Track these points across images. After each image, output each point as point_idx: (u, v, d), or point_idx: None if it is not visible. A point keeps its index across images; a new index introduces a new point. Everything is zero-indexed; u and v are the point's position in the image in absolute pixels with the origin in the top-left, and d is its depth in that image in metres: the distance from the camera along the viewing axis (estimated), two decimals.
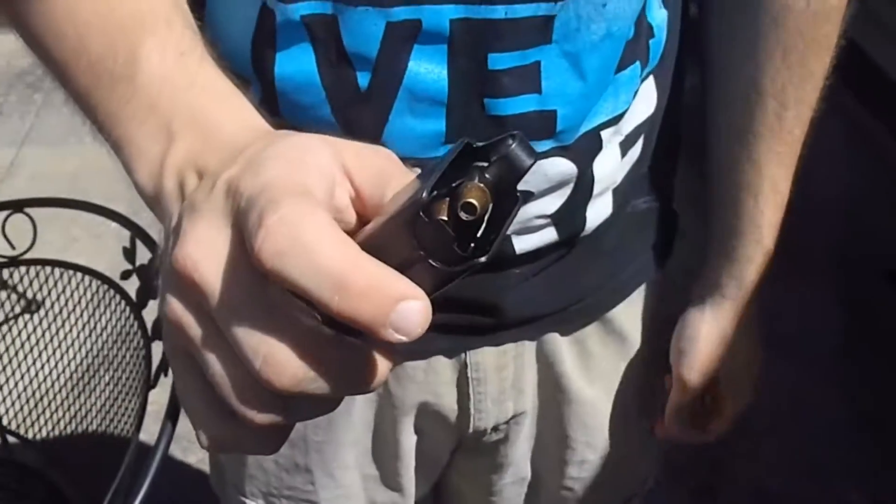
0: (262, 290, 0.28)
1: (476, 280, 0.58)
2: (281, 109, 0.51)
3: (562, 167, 0.54)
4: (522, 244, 0.58)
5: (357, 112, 0.50)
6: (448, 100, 0.49)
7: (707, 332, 0.66)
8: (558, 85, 0.50)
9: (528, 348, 0.67)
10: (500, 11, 0.47)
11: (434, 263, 0.27)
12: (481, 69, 0.49)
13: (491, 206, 0.28)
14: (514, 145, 0.28)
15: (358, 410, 0.68)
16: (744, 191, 0.62)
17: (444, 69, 0.48)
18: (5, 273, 1.01)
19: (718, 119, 0.63)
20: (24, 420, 1.23)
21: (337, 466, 0.70)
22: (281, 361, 0.28)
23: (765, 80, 0.58)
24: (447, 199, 0.27)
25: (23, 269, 1.00)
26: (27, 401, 1.23)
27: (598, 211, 0.59)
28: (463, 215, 0.27)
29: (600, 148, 0.56)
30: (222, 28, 0.50)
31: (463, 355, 0.65)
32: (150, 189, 0.37)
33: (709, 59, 0.62)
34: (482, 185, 0.27)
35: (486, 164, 0.28)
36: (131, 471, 0.76)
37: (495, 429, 0.69)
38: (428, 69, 0.48)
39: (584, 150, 0.54)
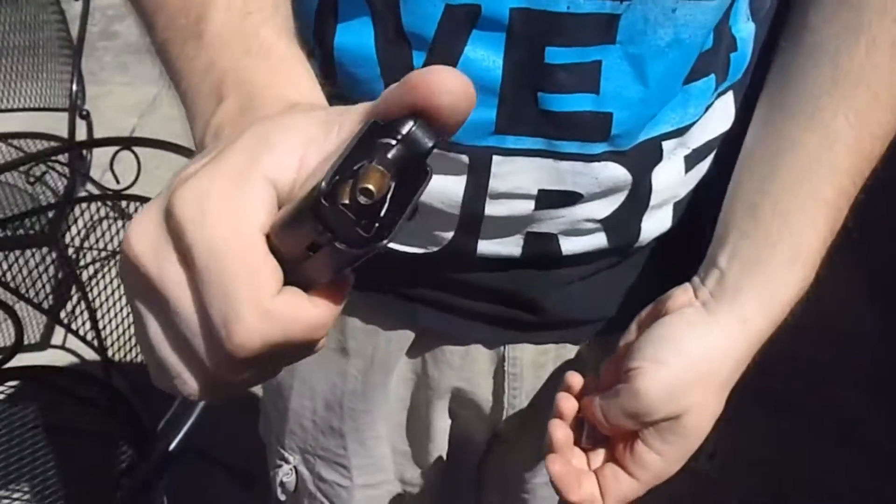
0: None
1: (520, 275, 0.58)
2: (339, 80, 0.51)
3: (615, 173, 0.52)
4: (570, 245, 0.56)
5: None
6: (501, 89, 0.49)
7: (696, 346, 0.51)
8: (618, 87, 0.49)
9: (570, 351, 0.65)
10: (562, 4, 0.46)
11: (340, 246, 0.28)
12: (537, 62, 0.47)
13: (392, 186, 0.28)
14: (413, 127, 0.28)
15: (394, 387, 0.69)
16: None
17: (500, 58, 0.48)
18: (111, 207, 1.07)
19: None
20: (122, 346, 1.31)
21: (370, 436, 0.72)
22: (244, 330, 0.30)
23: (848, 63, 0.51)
24: (350, 181, 0.28)
25: (124, 202, 1.05)
26: (123, 332, 1.31)
27: (656, 223, 0.57)
28: (361, 199, 0.27)
29: (660, 158, 0.53)
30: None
31: (502, 348, 0.64)
32: (198, 143, 0.38)
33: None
34: (382, 167, 0.28)
35: (392, 143, 0.29)
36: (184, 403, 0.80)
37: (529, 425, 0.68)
38: (483, 56, 0.48)
39: (642, 159, 0.52)
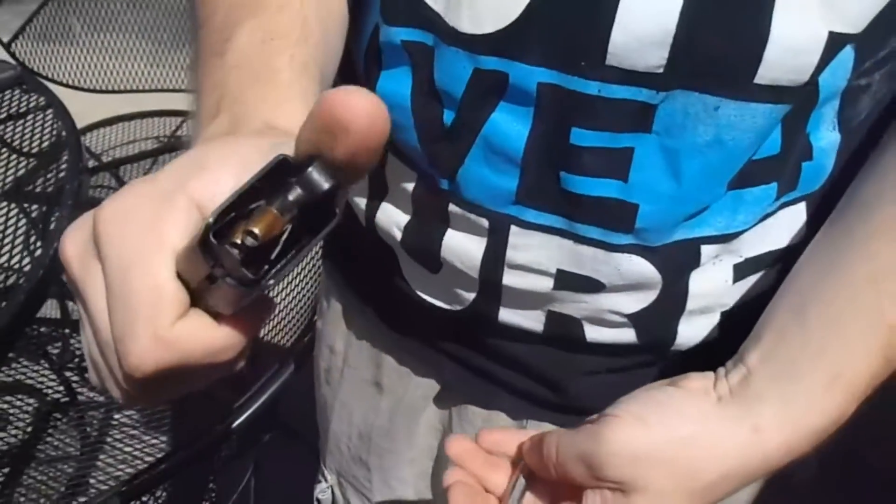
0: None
1: (543, 351, 0.55)
2: None
3: (639, 268, 0.48)
4: (594, 334, 0.53)
5: (439, 147, 0.49)
6: (522, 161, 0.46)
7: (687, 428, 0.42)
8: (648, 179, 0.45)
9: None
10: (592, 87, 0.43)
11: (229, 282, 0.28)
12: (562, 140, 0.45)
13: (288, 229, 0.28)
14: (310, 169, 0.28)
15: (423, 434, 0.68)
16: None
17: (526, 131, 0.46)
18: None
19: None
20: None
21: (393, 477, 0.71)
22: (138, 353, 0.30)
23: None
24: (241, 221, 0.27)
25: None
26: None
27: (696, 329, 0.52)
28: (248, 241, 0.27)
29: (698, 262, 0.49)
30: (351, 34, 0.51)
31: (525, 422, 0.61)
32: None
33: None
34: (276, 210, 0.27)
35: (292, 183, 0.28)
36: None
37: None
38: (509, 126, 0.46)
39: (674, 260, 0.48)
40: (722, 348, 0.54)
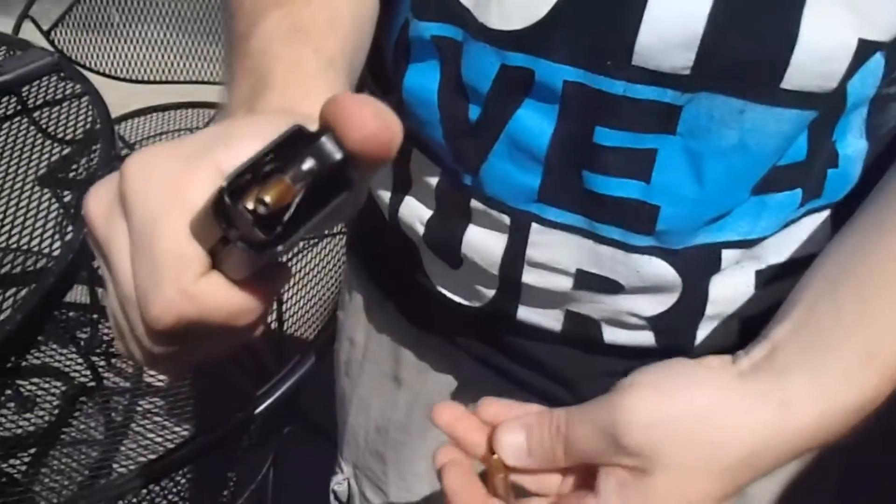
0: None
1: (561, 351, 0.56)
2: (407, 118, 0.52)
3: (659, 270, 0.48)
4: (611, 335, 0.53)
5: (463, 143, 0.49)
6: (545, 159, 0.47)
7: (707, 399, 0.40)
8: (671, 181, 0.45)
9: None
10: (618, 87, 0.43)
11: (240, 245, 0.28)
12: (586, 139, 0.45)
13: (299, 197, 0.28)
14: (323, 139, 0.28)
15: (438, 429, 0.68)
16: None
17: (550, 128, 0.46)
18: None
19: None
20: None
21: (408, 471, 0.71)
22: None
23: None
24: (255, 187, 0.28)
25: None
26: None
27: (715, 335, 0.52)
28: (260, 208, 0.27)
29: (718, 267, 0.48)
30: (381, 27, 0.52)
31: None
32: None
33: None
34: (288, 178, 0.28)
35: (305, 152, 0.28)
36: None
37: None
38: (533, 123, 0.46)
39: (695, 264, 0.48)
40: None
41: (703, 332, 0.52)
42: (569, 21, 0.42)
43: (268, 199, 0.27)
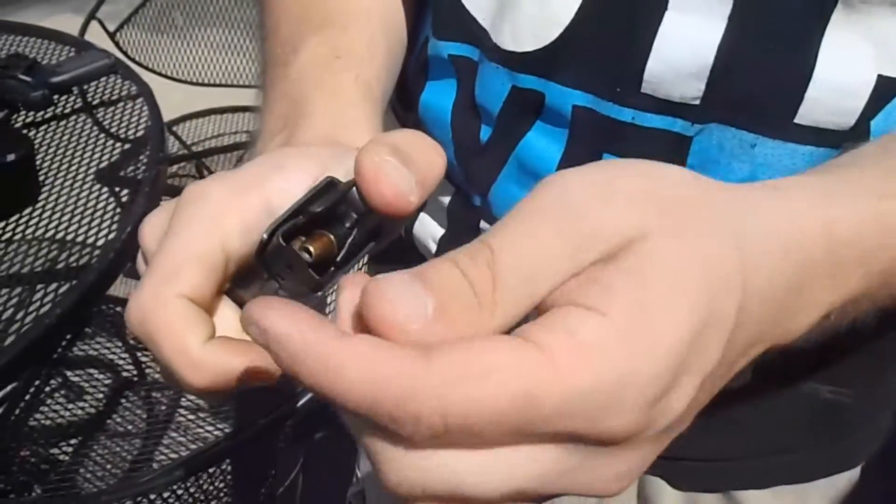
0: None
1: None
2: None
3: None
4: None
5: (474, 163, 0.49)
6: None
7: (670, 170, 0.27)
8: None
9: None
10: (626, 114, 0.42)
11: (282, 293, 0.30)
12: None
13: (345, 251, 0.29)
14: (353, 190, 0.29)
15: None
16: None
17: (559, 153, 0.45)
18: None
19: None
20: None
21: None
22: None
23: None
24: (298, 238, 0.29)
25: None
26: None
27: None
28: (304, 255, 0.28)
29: None
30: (413, 47, 0.52)
31: None
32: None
33: None
34: (331, 235, 0.29)
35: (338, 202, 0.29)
36: None
37: None
38: (542, 146, 0.46)
39: None
40: (749, 394, 0.52)
41: None
42: (579, 45, 0.42)
43: (312, 249, 0.28)
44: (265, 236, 0.28)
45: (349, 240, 0.29)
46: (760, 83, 0.39)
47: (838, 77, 0.39)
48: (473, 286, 0.23)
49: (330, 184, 0.29)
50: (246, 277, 0.31)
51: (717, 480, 0.58)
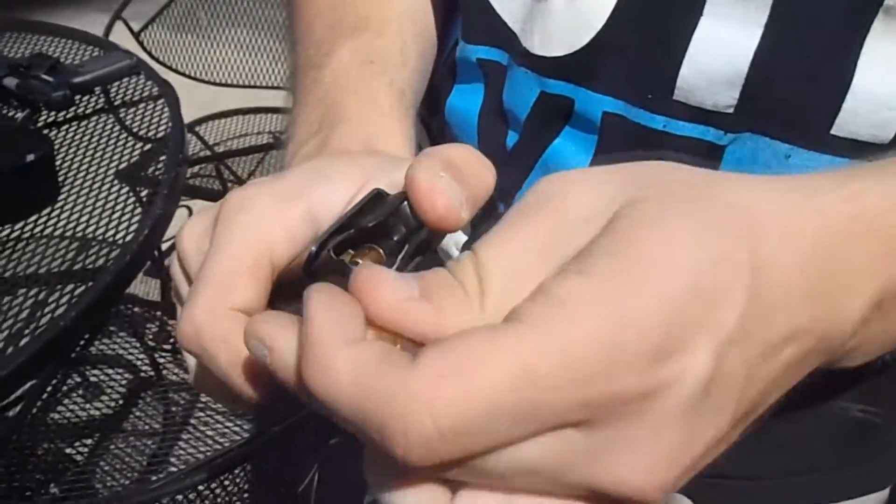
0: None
1: None
2: (447, 141, 0.51)
3: None
4: None
5: (499, 170, 0.48)
6: None
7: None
8: None
9: None
10: (658, 122, 0.41)
11: None
12: None
13: (396, 266, 0.28)
14: (403, 204, 0.28)
15: None
16: None
17: (587, 160, 0.44)
18: None
19: None
20: None
21: None
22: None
23: None
24: (346, 251, 0.28)
25: None
26: None
27: None
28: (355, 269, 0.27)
29: None
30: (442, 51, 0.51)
31: None
32: (286, 166, 0.41)
33: None
34: (378, 247, 0.28)
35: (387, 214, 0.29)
36: None
37: None
38: (570, 153, 0.44)
39: None
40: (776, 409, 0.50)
41: None
42: (610, 51, 0.41)
43: (362, 263, 0.28)
44: (314, 249, 0.27)
45: (401, 254, 0.28)
46: (796, 92, 0.38)
47: (877, 88, 0.37)
48: (462, 283, 0.23)
49: (378, 196, 0.29)
50: (286, 290, 0.30)
51: (743, 499, 0.56)
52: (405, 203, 0.28)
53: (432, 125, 0.53)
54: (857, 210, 0.25)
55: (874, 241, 0.25)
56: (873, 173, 0.27)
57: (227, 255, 0.29)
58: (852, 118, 0.38)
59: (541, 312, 0.20)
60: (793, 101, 0.38)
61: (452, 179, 0.27)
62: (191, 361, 0.32)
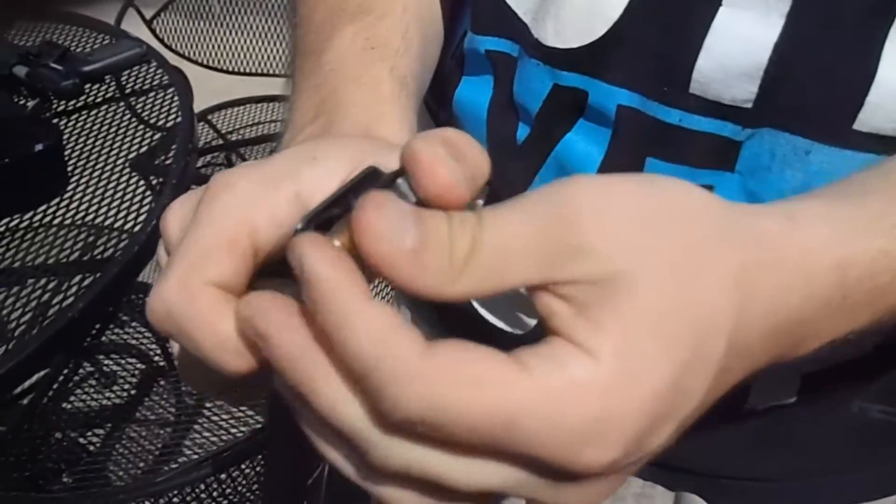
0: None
1: None
2: None
3: None
4: None
5: (509, 164, 0.47)
6: None
7: (672, 189, 0.27)
8: None
9: (660, 494, 0.58)
10: (674, 116, 0.40)
11: None
12: (636, 170, 0.42)
13: None
14: (399, 181, 0.27)
15: None
16: None
17: (600, 155, 0.43)
18: None
19: None
20: None
21: None
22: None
23: None
24: (330, 229, 0.27)
25: None
26: None
27: (764, 387, 0.48)
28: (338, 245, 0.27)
29: None
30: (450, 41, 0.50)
31: None
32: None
33: None
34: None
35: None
36: None
37: None
38: (583, 147, 0.43)
39: None
40: (793, 412, 0.49)
41: (754, 384, 0.48)
42: (627, 42, 0.40)
43: (338, 243, 0.26)
44: (299, 226, 0.26)
45: None
46: (818, 86, 0.37)
47: None
48: (452, 246, 0.24)
49: (373, 173, 0.27)
50: (271, 276, 0.29)
51: (760, 501, 0.55)
52: (400, 180, 0.27)
53: (440, 118, 0.52)
54: (840, 279, 0.28)
55: (846, 311, 0.29)
56: (861, 233, 0.29)
57: (204, 232, 0.28)
58: (876, 113, 0.36)
59: (548, 380, 0.23)
60: (814, 96, 0.37)
61: (451, 157, 0.26)
62: (175, 348, 0.31)
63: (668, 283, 0.24)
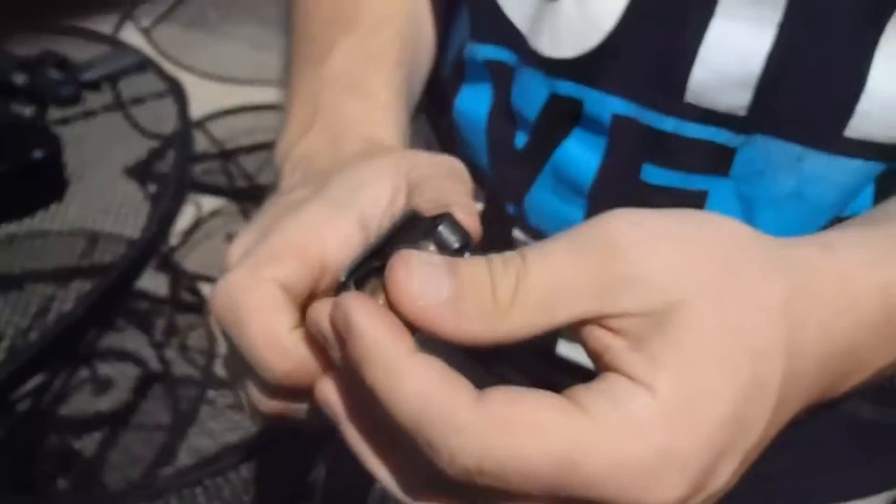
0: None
1: None
2: (455, 141, 0.51)
3: None
4: None
5: (508, 171, 0.48)
6: (590, 193, 0.44)
7: (715, 223, 0.27)
8: None
9: None
10: (668, 124, 0.40)
11: None
12: (632, 176, 0.43)
13: None
14: (441, 228, 0.28)
15: None
16: None
17: (597, 162, 0.44)
18: None
19: None
20: None
21: None
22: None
23: None
24: (376, 278, 0.28)
25: None
26: None
27: None
28: (382, 298, 0.28)
29: None
30: (440, 46, 0.51)
31: None
32: (278, 162, 0.41)
33: None
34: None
35: (425, 239, 0.29)
36: None
37: None
38: (579, 155, 0.44)
39: None
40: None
41: None
42: (621, 52, 0.40)
43: (382, 301, 0.27)
44: (343, 279, 0.28)
45: None
46: (810, 94, 0.37)
47: (892, 89, 0.37)
48: (495, 287, 0.24)
49: (412, 217, 0.29)
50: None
51: (753, 499, 0.56)
52: (443, 226, 0.28)
53: (440, 126, 0.53)
54: (884, 300, 0.27)
55: (892, 328, 0.28)
56: (854, 237, 0.29)
57: (276, 238, 0.30)
58: (867, 120, 0.37)
59: (605, 418, 0.23)
60: (806, 103, 0.38)
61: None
62: (223, 344, 0.32)
63: (719, 311, 0.24)
